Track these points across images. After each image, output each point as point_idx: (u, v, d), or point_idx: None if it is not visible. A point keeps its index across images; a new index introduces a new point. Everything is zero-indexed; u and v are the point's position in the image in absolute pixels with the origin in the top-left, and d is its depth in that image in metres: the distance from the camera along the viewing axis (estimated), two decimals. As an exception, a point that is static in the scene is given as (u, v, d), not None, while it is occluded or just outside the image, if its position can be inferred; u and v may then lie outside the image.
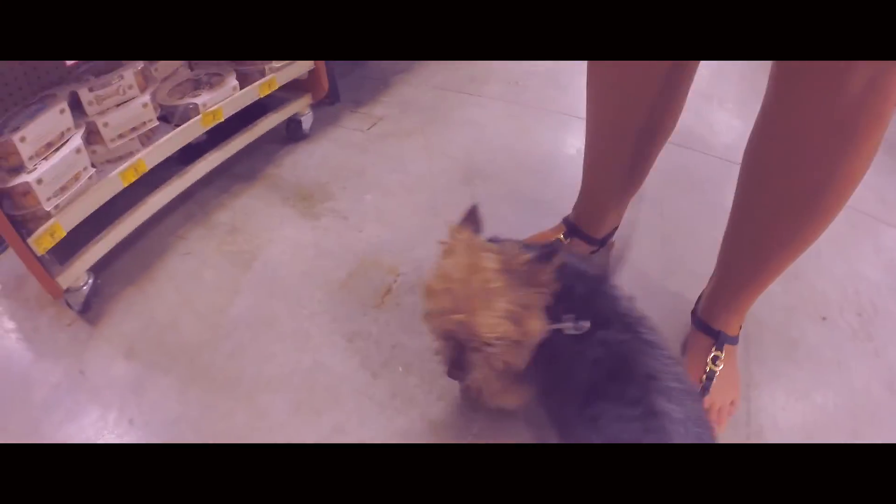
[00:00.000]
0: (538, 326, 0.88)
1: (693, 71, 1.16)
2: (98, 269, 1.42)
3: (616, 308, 0.93)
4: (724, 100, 2.15)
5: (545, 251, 0.88)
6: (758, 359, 1.34)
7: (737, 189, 1.14)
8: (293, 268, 1.50)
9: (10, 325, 1.43)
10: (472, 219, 0.95)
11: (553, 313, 0.90)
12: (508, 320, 0.84)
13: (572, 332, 0.89)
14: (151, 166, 1.45)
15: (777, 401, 1.27)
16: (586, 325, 0.88)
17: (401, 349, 1.32)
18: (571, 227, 1.47)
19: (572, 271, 0.95)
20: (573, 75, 2.33)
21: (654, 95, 1.17)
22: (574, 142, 1.97)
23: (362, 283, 1.46)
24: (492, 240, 0.94)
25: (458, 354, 0.88)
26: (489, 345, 0.85)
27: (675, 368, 0.87)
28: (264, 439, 1.16)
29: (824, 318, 1.47)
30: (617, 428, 0.82)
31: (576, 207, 1.48)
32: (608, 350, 0.88)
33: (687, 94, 1.21)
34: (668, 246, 1.57)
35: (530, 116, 2.14)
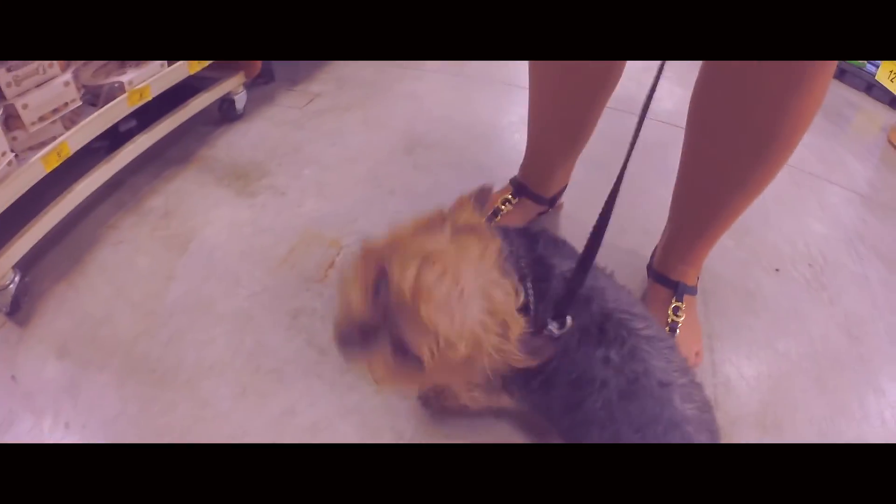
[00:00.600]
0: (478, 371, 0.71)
1: None
2: (25, 266, 1.29)
3: (605, 306, 0.79)
4: (664, 68, 2.09)
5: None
6: (717, 311, 1.30)
7: (685, 138, 1.10)
8: (230, 248, 1.39)
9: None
10: (480, 199, 0.80)
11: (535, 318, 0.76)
12: (468, 340, 0.65)
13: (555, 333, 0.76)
14: (75, 149, 1.33)
15: (740, 351, 1.24)
16: (569, 322, 0.76)
17: (348, 324, 1.22)
18: (519, 186, 1.40)
19: (545, 265, 0.82)
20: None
21: None
22: (516, 109, 1.91)
23: (304, 259, 1.36)
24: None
25: (370, 324, 0.69)
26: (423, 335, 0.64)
27: (678, 359, 0.80)
28: (209, 429, 1.06)
29: (777, 270, 1.46)
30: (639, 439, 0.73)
31: (523, 168, 1.41)
32: (614, 368, 0.76)
33: None
34: (618, 206, 1.48)
35: (471, 87, 2.07)
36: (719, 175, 1.06)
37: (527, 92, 1.28)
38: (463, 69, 2.16)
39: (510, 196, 1.40)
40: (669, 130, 1.78)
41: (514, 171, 1.44)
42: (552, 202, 1.44)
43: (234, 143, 1.75)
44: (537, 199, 1.41)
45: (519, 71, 2.11)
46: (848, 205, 1.72)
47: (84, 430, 1.07)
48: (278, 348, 1.18)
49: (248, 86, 1.83)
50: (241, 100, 1.80)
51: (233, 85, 1.74)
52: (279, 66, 2.08)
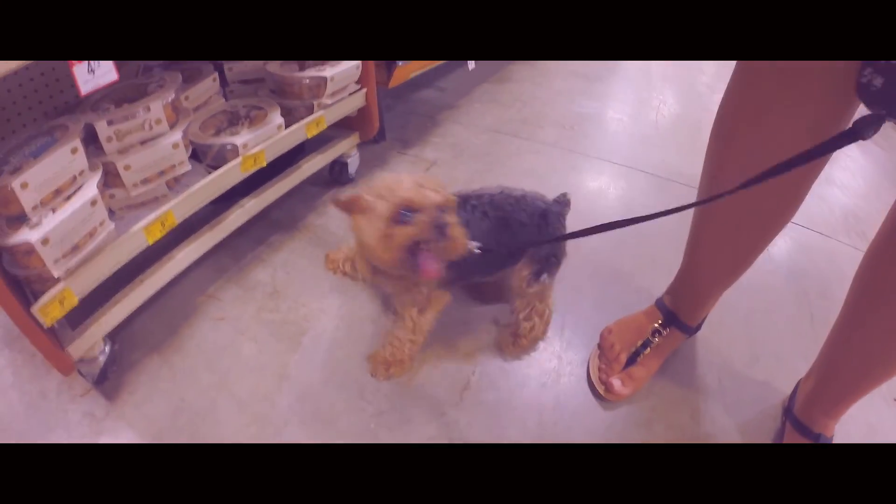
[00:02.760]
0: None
1: None
2: (115, 331, 1.06)
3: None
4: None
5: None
6: (842, 453, 1.07)
7: (853, 292, 0.92)
8: (350, 349, 1.15)
9: (11, 388, 1.07)
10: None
11: None
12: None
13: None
14: (181, 219, 1.09)
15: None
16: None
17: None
18: (669, 315, 1.17)
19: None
20: (623, 123, 2.04)
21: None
22: (643, 199, 1.64)
23: (435, 374, 1.11)
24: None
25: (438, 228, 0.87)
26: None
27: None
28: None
29: None
30: None
31: (672, 292, 1.18)
32: None
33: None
34: (749, 327, 1.28)
35: (590, 167, 1.79)
36: (886, 340, 0.87)
37: (645, 175, 1.03)
38: (577, 144, 1.89)
39: (660, 326, 1.17)
40: (792, 232, 1.52)
41: (651, 279, 1.21)
42: (696, 330, 1.22)
43: (347, 213, 1.48)
44: (685, 328, 1.18)
45: (635, 152, 1.87)
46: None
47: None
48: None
49: (359, 145, 1.58)
50: (353, 163, 1.56)
51: (346, 146, 1.50)
52: (388, 125, 1.84)
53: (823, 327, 1.05)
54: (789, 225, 0.97)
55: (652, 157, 1.82)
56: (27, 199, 0.86)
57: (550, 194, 1.65)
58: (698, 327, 1.22)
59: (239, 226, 1.24)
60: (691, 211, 1.04)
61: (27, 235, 0.85)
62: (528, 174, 1.71)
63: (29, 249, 0.85)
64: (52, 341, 0.94)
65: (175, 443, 0.98)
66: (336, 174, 1.55)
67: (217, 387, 1.07)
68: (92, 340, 1.00)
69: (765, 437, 1.08)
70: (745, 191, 0.88)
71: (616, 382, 1.10)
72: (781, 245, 1.50)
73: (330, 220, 1.47)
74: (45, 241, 0.86)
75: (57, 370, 0.95)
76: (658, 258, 1.39)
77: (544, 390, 1.12)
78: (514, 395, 1.10)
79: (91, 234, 0.95)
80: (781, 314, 1.31)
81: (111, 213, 1.05)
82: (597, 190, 1.69)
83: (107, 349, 1.05)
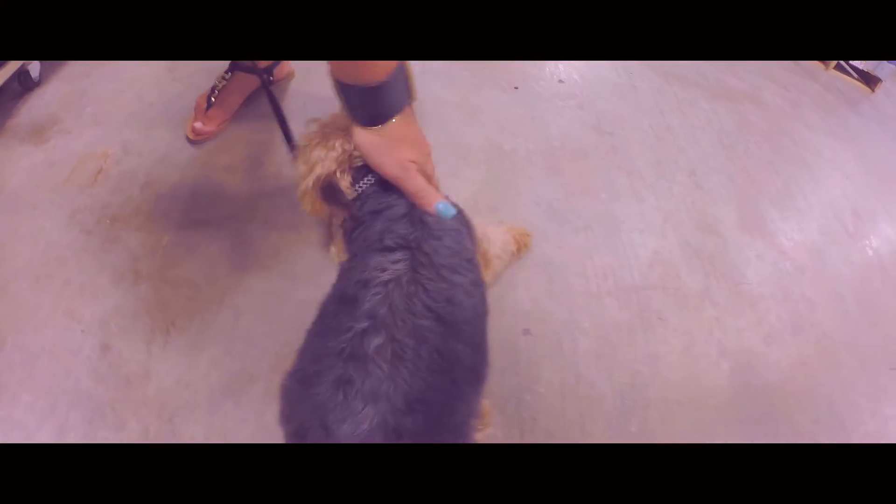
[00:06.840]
0: None
1: None
2: None
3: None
4: None
5: None
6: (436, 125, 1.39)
7: None
8: (27, 184, 1.50)
9: None
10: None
11: None
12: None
13: None
14: None
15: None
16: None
17: (109, 208, 1.43)
18: (232, 63, 1.49)
19: None
20: None
21: None
22: None
23: (81, 174, 1.51)
24: None
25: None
26: None
27: None
28: (10, 309, 1.24)
29: (517, 88, 1.60)
30: None
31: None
32: None
33: None
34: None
35: None
36: None
37: None
38: None
39: (224, 73, 1.50)
40: None
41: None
42: (269, 72, 1.55)
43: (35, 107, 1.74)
44: (249, 69, 1.47)
45: None
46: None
47: None
48: (60, 240, 1.37)
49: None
50: (34, 69, 1.75)
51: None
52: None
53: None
54: None
55: None
56: None
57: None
58: (270, 69, 1.54)
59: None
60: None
61: None
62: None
63: None
64: None
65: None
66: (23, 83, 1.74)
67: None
68: None
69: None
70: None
71: (197, 125, 1.46)
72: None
73: (21, 118, 1.72)
74: None
75: None
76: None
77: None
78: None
79: None
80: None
81: None
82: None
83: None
